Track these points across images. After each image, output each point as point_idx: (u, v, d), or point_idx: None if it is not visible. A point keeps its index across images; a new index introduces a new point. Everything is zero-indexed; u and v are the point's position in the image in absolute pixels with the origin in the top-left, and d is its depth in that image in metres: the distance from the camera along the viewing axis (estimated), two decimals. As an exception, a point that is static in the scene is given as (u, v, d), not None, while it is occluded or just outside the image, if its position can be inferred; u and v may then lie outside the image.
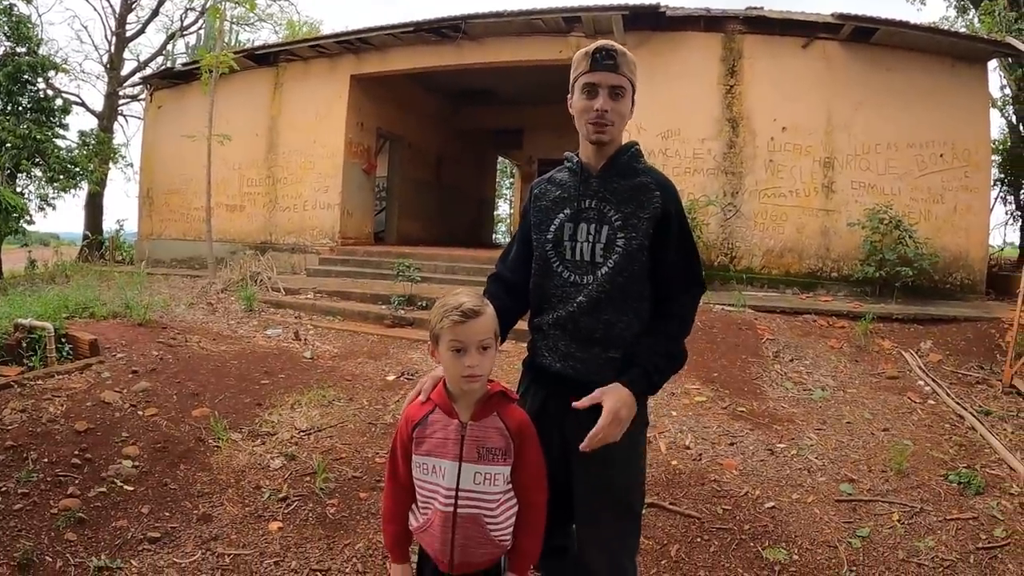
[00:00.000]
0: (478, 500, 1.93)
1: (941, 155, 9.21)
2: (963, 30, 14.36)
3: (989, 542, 3.40)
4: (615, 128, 2.04)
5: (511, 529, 1.99)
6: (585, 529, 2.11)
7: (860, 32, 9.24)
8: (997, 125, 14.63)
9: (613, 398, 1.93)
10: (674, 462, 4.29)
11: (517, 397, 2.06)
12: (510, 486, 1.98)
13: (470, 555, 1.94)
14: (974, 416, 5.12)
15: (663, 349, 2.04)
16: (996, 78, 14.35)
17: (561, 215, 2.12)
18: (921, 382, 5.95)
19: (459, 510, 1.92)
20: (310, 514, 3.57)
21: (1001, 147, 13.26)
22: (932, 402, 5.54)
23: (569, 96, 2.11)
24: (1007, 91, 13.95)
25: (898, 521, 3.61)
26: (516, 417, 1.98)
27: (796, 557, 3.24)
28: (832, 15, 9.22)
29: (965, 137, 9.19)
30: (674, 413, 5.17)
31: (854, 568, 3.15)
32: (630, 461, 2.07)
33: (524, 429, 1.98)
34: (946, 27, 14.13)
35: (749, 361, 6.35)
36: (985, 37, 10.59)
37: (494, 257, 2.39)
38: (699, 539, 3.40)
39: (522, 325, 2.28)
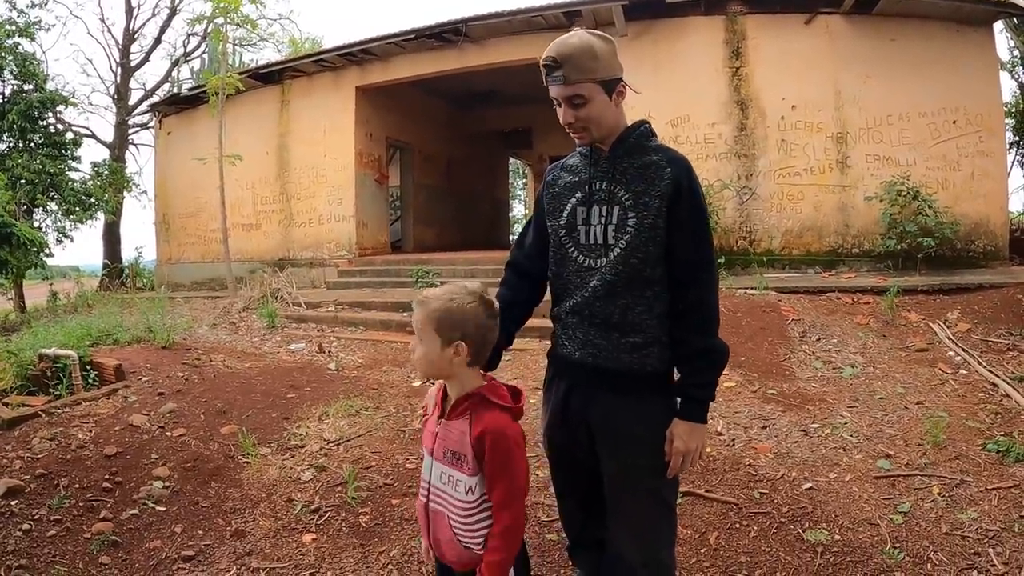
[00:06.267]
0: (444, 500, 1.90)
1: (954, 122, 9.05)
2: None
3: (1034, 509, 3.32)
4: (592, 130, 2.00)
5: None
6: (616, 519, 2.06)
7: (862, 3, 9.10)
8: (1008, 88, 14.46)
9: (678, 439, 1.97)
10: (707, 449, 4.20)
11: (506, 401, 1.88)
12: (482, 498, 1.86)
13: (443, 550, 1.92)
14: (1008, 383, 5.02)
15: (701, 362, 2.03)
16: (1003, 40, 14.19)
17: (573, 199, 2.08)
18: (951, 352, 5.85)
19: (430, 503, 1.93)
20: (343, 524, 3.56)
21: (1013, 109, 13.06)
22: (964, 372, 5.44)
23: None
24: (1016, 52, 13.76)
25: (939, 494, 3.53)
26: (484, 424, 1.82)
27: (838, 537, 3.17)
28: (833, -12, 9.10)
29: (976, 102, 9.02)
30: (702, 400, 5.10)
31: (897, 544, 3.08)
32: (656, 446, 1.99)
33: (488, 438, 1.79)
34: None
35: (776, 343, 6.27)
36: (990, -1, 10.43)
37: (511, 257, 2.36)
38: (738, 525, 3.35)
39: (546, 322, 2.26)
